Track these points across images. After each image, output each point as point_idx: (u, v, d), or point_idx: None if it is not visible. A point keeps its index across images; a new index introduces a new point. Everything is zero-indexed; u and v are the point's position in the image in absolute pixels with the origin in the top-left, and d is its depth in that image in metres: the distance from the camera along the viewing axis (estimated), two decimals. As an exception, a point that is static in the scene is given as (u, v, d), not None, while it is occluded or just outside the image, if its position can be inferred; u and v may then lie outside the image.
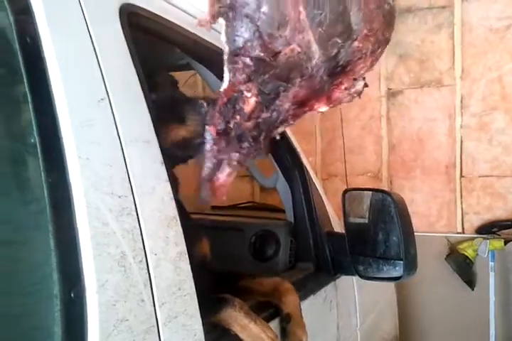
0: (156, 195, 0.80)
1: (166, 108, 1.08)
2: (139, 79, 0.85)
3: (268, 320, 1.12)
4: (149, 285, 0.73)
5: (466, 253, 3.16)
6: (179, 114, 1.08)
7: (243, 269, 1.57)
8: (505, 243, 3.04)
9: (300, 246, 1.57)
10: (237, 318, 0.96)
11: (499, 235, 3.17)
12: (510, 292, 3.02)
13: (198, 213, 1.93)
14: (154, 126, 0.84)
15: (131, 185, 0.75)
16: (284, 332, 1.13)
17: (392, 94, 3.49)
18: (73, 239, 0.65)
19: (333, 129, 3.56)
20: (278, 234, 1.58)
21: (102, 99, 0.76)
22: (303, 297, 1.32)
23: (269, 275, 1.29)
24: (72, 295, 0.63)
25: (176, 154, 1.10)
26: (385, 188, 3.38)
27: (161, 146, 0.84)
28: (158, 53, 1.44)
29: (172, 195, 0.83)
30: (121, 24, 0.87)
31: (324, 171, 3.65)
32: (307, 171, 1.62)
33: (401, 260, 1.33)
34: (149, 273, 0.74)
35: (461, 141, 3.33)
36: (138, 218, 0.74)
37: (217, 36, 1.31)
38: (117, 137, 0.76)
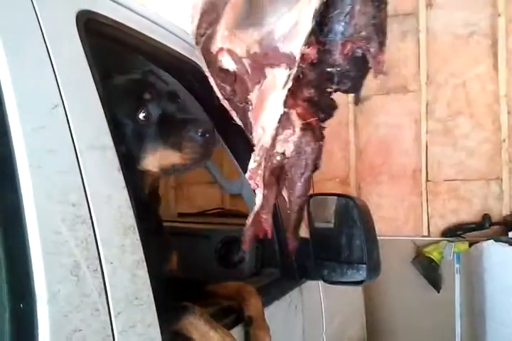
0: (112, 202, 0.79)
1: (162, 127, 1.03)
2: (96, 85, 0.85)
3: (231, 325, 1.12)
4: (104, 294, 0.72)
5: (431, 256, 3.21)
6: (173, 139, 1.02)
7: (210, 276, 1.57)
8: (470, 245, 3.10)
9: (266, 252, 1.57)
10: (197, 326, 0.95)
11: (464, 238, 3.23)
12: (475, 294, 3.07)
13: (167, 220, 1.91)
14: (111, 132, 0.83)
15: (86, 193, 0.74)
16: (247, 335, 1.13)
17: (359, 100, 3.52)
18: (23, 248, 0.63)
19: (302, 135, 3.57)
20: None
21: (55, 106, 0.75)
22: (268, 302, 1.32)
23: (234, 281, 1.29)
24: (21, 306, 0.61)
25: (160, 174, 1.09)
26: (353, 193, 3.42)
27: (118, 153, 0.83)
28: (121, 60, 1.43)
29: (130, 203, 0.82)
30: (78, 30, 0.86)
31: (294, 176, 3.66)
32: (272, 177, 1.63)
33: (364, 264, 1.34)
34: (104, 282, 0.73)
35: (427, 146, 3.39)
36: (93, 226, 0.73)
37: (181, 43, 1.31)
38: (72, 144, 0.75)
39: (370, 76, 3.28)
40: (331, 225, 1.55)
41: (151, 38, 1.14)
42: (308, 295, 1.60)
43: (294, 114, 0.87)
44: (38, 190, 0.67)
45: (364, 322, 2.43)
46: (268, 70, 0.82)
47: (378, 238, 1.41)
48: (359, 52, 0.84)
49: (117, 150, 0.83)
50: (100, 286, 0.72)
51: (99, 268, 0.72)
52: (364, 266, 1.35)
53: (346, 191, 3.44)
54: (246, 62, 0.85)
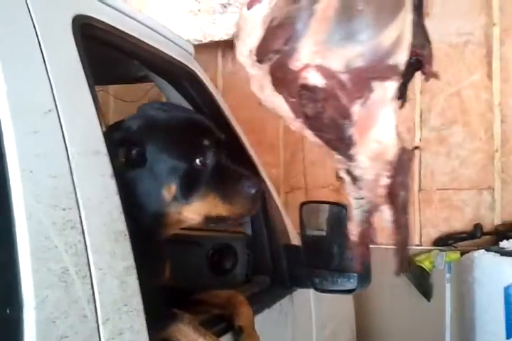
0: (103, 208, 0.79)
1: (216, 176, 1.02)
2: (91, 90, 0.85)
3: (221, 333, 1.12)
4: (93, 300, 0.72)
5: (423, 265, 3.21)
6: (224, 190, 1.01)
7: (201, 283, 1.56)
8: (462, 255, 3.10)
9: (257, 260, 1.57)
10: (186, 333, 0.95)
11: (455, 247, 3.24)
12: (466, 303, 3.07)
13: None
14: (104, 138, 0.83)
15: (77, 198, 0.73)
16: None
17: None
18: (11, 252, 0.63)
19: (296, 142, 3.58)
20: (235, 247, 1.58)
21: (49, 111, 0.74)
22: (258, 310, 1.32)
23: (225, 289, 1.29)
24: (8, 311, 0.61)
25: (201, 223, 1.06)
26: (346, 201, 3.42)
27: (111, 159, 0.83)
28: (116, 65, 1.43)
29: (121, 209, 0.82)
30: (74, 35, 0.86)
31: (287, 184, 3.67)
32: (265, 184, 1.63)
33: (355, 272, 1.34)
34: (93, 289, 0.72)
35: (420, 155, 3.40)
36: (83, 232, 0.73)
37: (177, 49, 1.32)
38: (64, 149, 0.75)
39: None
40: (323, 233, 1.55)
41: (146, 44, 1.14)
42: (299, 303, 1.60)
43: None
44: (28, 194, 0.66)
45: (354, 330, 2.43)
46: (376, 84, 0.82)
47: (371, 247, 1.41)
48: (413, 59, 0.86)
49: (110, 156, 0.83)
50: (89, 293, 0.71)
51: (88, 274, 0.72)
52: (355, 274, 1.35)
53: (340, 199, 3.43)
54: (343, 77, 0.83)
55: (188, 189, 0.99)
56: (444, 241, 3.29)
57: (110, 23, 1.00)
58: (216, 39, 3.55)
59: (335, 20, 0.82)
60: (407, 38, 0.81)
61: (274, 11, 0.88)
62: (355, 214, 1.00)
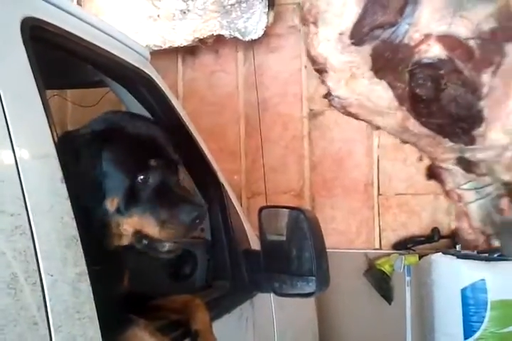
0: (54, 213, 0.77)
1: (158, 196, 1.01)
2: (40, 94, 0.83)
3: (179, 339, 1.11)
4: (44, 307, 0.70)
5: (383, 269, 3.26)
6: (161, 212, 0.99)
7: (161, 289, 1.54)
8: (420, 258, 3.16)
9: (217, 265, 1.56)
10: (142, 338, 0.94)
11: (414, 250, 3.30)
12: (425, 306, 3.14)
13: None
14: (54, 142, 0.82)
15: (25, 203, 0.72)
16: None
17: (313, 115, 3.59)
18: (-44, 260, 0.61)
19: (257, 148, 3.60)
20: (195, 252, 1.57)
21: (-5, 114, 0.73)
22: (218, 315, 1.31)
23: (184, 294, 1.28)
24: (-49, 320, 0.59)
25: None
26: (307, 206, 3.45)
27: (61, 163, 0.82)
28: (71, 69, 1.41)
29: (72, 214, 0.80)
30: (23, 37, 0.85)
31: (249, 189, 3.68)
32: (225, 190, 1.63)
33: (313, 276, 1.35)
34: (44, 296, 0.70)
35: (378, 161, 3.46)
36: (33, 237, 0.71)
37: (130, 53, 1.31)
38: (12, 153, 0.73)
39: (324, 91, 3.30)
40: (283, 237, 1.56)
41: (100, 48, 1.13)
42: (259, 308, 1.60)
43: None
44: (-27, 200, 0.65)
45: (317, 334, 2.44)
46: (510, 46, 0.72)
47: (331, 250, 1.43)
48: None
49: (60, 160, 0.81)
50: (39, 299, 0.70)
51: (38, 281, 0.70)
52: (313, 278, 1.36)
53: (301, 204, 3.47)
54: (472, 43, 0.74)
55: (127, 203, 0.99)
56: (403, 245, 3.35)
57: (61, 26, 0.99)
58: (176, 45, 3.54)
59: None
60: None
61: None
62: (476, 206, 0.91)
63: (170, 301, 1.22)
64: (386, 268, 3.26)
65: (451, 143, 0.84)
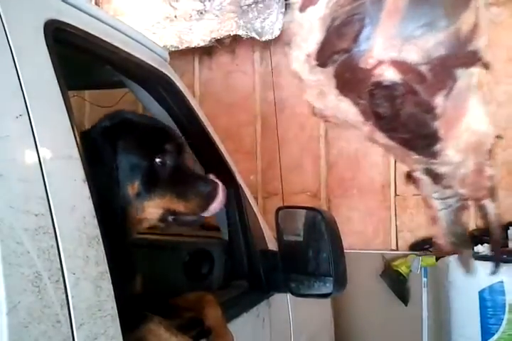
0: (76, 213, 0.78)
1: (175, 176, 1.09)
2: (63, 95, 0.84)
3: (198, 338, 1.11)
4: (66, 305, 0.71)
5: (400, 270, 3.24)
6: (182, 188, 1.09)
7: (177, 288, 1.55)
8: (437, 259, 3.14)
9: (234, 265, 1.57)
10: (158, 333, 0.95)
11: (431, 252, 3.28)
12: (442, 307, 3.11)
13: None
14: (77, 143, 0.83)
15: (49, 203, 0.73)
16: None
17: (330, 115, 3.57)
18: (-18, 258, 0.62)
19: (273, 148, 3.60)
20: (212, 252, 1.58)
21: (20, 115, 0.74)
22: (235, 315, 1.32)
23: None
24: (-21, 317, 0.60)
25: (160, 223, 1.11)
26: (323, 207, 3.45)
27: (84, 164, 0.83)
28: (91, 70, 1.43)
29: (94, 214, 0.82)
30: (46, 40, 0.86)
31: (264, 190, 3.68)
32: (242, 190, 1.63)
33: (331, 276, 1.35)
34: (67, 294, 0.71)
35: (396, 161, 3.44)
36: (56, 237, 0.72)
37: (150, 54, 1.32)
38: (36, 154, 0.74)
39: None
40: (300, 238, 1.56)
41: (120, 49, 1.14)
42: (276, 308, 1.60)
43: None
44: (-1, 199, 0.66)
45: (333, 335, 2.43)
46: (460, 71, 0.77)
47: (348, 251, 1.42)
48: None
49: (83, 160, 0.82)
50: (62, 298, 0.71)
51: (61, 280, 0.71)
52: (331, 278, 1.36)
53: (317, 204, 3.46)
54: (423, 68, 0.78)
55: (149, 186, 1.06)
56: (420, 246, 3.33)
57: (83, 28, 1.00)
58: (193, 45, 3.56)
59: (407, 10, 0.78)
60: (484, 23, 0.77)
61: (334, 11, 0.84)
62: (442, 215, 0.96)
63: (183, 300, 1.22)
64: (403, 269, 3.24)
65: (417, 156, 0.86)
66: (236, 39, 3.53)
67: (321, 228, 1.41)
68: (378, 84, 0.83)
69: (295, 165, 3.62)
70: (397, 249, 3.42)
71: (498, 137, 0.91)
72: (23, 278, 0.65)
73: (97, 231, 0.81)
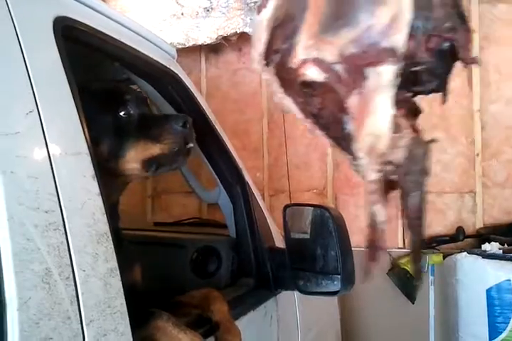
0: (86, 209, 0.78)
1: (142, 123, 1.09)
2: (72, 91, 0.84)
3: (207, 335, 1.11)
4: (76, 302, 0.71)
5: (406, 268, 3.23)
6: (152, 132, 1.08)
7: (184, 285, 1.56)
8: (444, 257, 3.13)
9: (241, 262, 1.57)
10: (166, 329, 0.95)
11: (438, 250, 3.26)
12: (449, 305, 3.10)
13: (140, 229, 1.90)
14: (86, 139, 0.83)
15: (59, 200, 0.73)
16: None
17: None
18: (-7, 255, 0.62)
19: (279, 146, 3.60)
20: (219, 249, 1.58)
21: (30, 112, 0.74)
22: (243, 312, 1.32)
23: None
24: (-10, 313, 0.60)
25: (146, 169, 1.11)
26: (330, 204, 3.44)
27: (93, 160, 0.83)
28: (98, 67, 1.43)
29: (104, 210, 0.82)
30: (55, 36, 0.86)
31: (271, 187, 3.67)
32: (249, 187, 1.63)
33: (339, 274, 1.35)
34: (77, 290, 0.72)
35: (402, 159, 3.43)
36: (66, 233, 0.73)
37: (158, 51, 1.32)
38: (46, 150, 0.74)
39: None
40: (307, 236, 1.56)
41: (128, 46, 1.14)
42: (283, 306, 1.60)
43: (400, 116, 0.82)
44: (10, 196, 0.66)
45: (339, 333, 2.43)
46: (370, 70, 0.76)
47: (355, 249, 1.42)
48: (446, 45, 0.78)
49: (92, 156, 0.82)
50: (72, 294, 0.71)
51: (71, 276, 0.71)
52: (339, 276, 1.35)
53: (323, 202, 3.45)
54: (339, 67, 0.78)
55: (122, 140, 1.06)
56: (427, 244, 3.31)
57: (92, 25, 1.00)
58: (199, 43, 3.55)
59: (326, 9, 0.79)
60: (405, 17, 0.74)
61: (276, 12, 0.87)
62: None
63: (189, 297, 1.23)
64: (410, 268, 3.23)
65: (348, 156, 0.87)
66: (243, 36, 3.52)
67: (329, 226, 1.41)
68: (304, 84, 0.85)
69: (302, 163, 3.61)
70: (404, 247, 3.41)
71: (433, 141, 0.90)
72: (33, 275, 0.66)
73: (106, 228, 0.81)
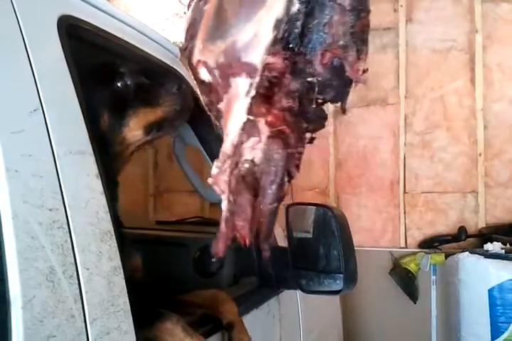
0: (89, 208, 0.78)
1: (139, 91, 1.12)
2: (76, 90, 0.84)
3: (207, 335, 1.12)
4: (80, 300, 0.71)
5: (408, 268, 3.23)
6: (151, 98, 1.11)
7: (187, 284, 1.56)
8: (446, 257, 3.12)
9: (244, 261, 1.57)
10: (173, 332, 0.95)
11: (440, 249, 3.26)
12: (451, 305, 3.10)
13: (143, 228, 1.90)
14: (90, 137, 0.83)
15: (63, 198, 0.73)
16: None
17: (339, 112, 3.56)
18: (-3, 253, 0.63)
19: (282, 145, 3.59)
20: (222, 248, 1.57)
21: (34, 110, 0.74)
22: (245, 311, 1.32)
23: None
24: (-6, 311, 0.61)
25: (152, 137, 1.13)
26: (332, 204, 3.44)
27: (97, 159, 0.83)
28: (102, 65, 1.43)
29: (107, 209, 0.82)
30: (59, 35, 0.86)
31: (273, 186, 3.67)
32: (252, 186, 1.63)
33: (341, 273, 1.35)
34: (80, 289, 0.72)
35: (405, 158, 3.43)
36: (69, 232, 0.73)
37: (162, 51, 1.32)
38: (50, 148, 0.74)
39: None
40: (310, 235, 1.56)
41: (132, 45, 1.15)
42: (286, 305, 1.60)
43: (261, 122, 0.88)
44: (14, 194, 0.66)
45: (341, 332, 2.43)
46: (232, 79, 0.84)
47: (356, 248, 1.42)
48: (337, 61, 0.85)
49: (96, 155, 0.83)
50: (76, 292, 0.71)
51: (75, 274, 0.72)
52: (341, 275, 1.35)
53: (325, 201, 3.46)
54: (216, 72, 0.86)
55: (123, 110, 1.09)
56: (429, 244, 3.31)
57: (96, 24, 1.00)
58: (202, 42, 3.55)
59: (212, 20, 0.86)
60: (266, 38, 0.80)
61: (191, 13, 0.93)
62: None
63: (196, 296, 1.23)
64: (412, 267, 3.23)
65: None
66: (245, 35, 3.52)
67: (331, 225, 1.41)
68: (200, 80, 0.91)
69: (304, 162, 3.59)
70: (406, 247, 3.41)
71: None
72: (38, 273, 0.66)
73: (110, 226, 0.81)
